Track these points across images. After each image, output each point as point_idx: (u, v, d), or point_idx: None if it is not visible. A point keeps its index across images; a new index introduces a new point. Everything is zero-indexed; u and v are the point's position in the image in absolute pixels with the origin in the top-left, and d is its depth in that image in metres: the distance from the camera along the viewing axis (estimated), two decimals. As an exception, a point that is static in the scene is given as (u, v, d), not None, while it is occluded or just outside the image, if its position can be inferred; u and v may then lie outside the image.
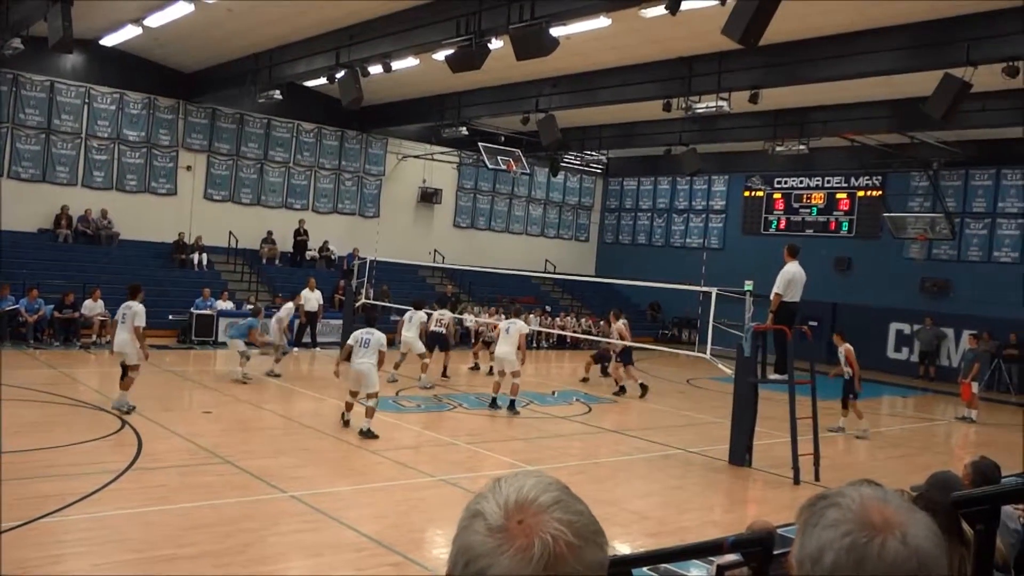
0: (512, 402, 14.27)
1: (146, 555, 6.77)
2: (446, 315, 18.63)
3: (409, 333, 17.08)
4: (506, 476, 1.12)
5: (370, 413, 11.66)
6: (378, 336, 11.89)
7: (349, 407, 12.23)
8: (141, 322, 12.06)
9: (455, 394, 16.27)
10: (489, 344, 19.19)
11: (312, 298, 21.42)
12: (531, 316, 24.85)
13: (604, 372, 18.70)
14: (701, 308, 22.65)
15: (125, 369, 12.12)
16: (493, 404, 14.66)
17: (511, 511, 1.05)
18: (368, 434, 11.48)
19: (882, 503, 1.13)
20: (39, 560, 6.47)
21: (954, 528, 2.72)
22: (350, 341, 12.23)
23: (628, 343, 17.46)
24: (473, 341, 22.41)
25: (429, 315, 18.04)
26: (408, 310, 18.06)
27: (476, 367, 19.61)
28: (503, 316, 20.84)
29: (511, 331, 14.77)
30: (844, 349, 14.54)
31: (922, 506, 2.90)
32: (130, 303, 12.25)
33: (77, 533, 7.21)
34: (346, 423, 12.19)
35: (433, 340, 17.65)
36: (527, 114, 21.33)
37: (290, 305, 18.63)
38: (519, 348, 14.61)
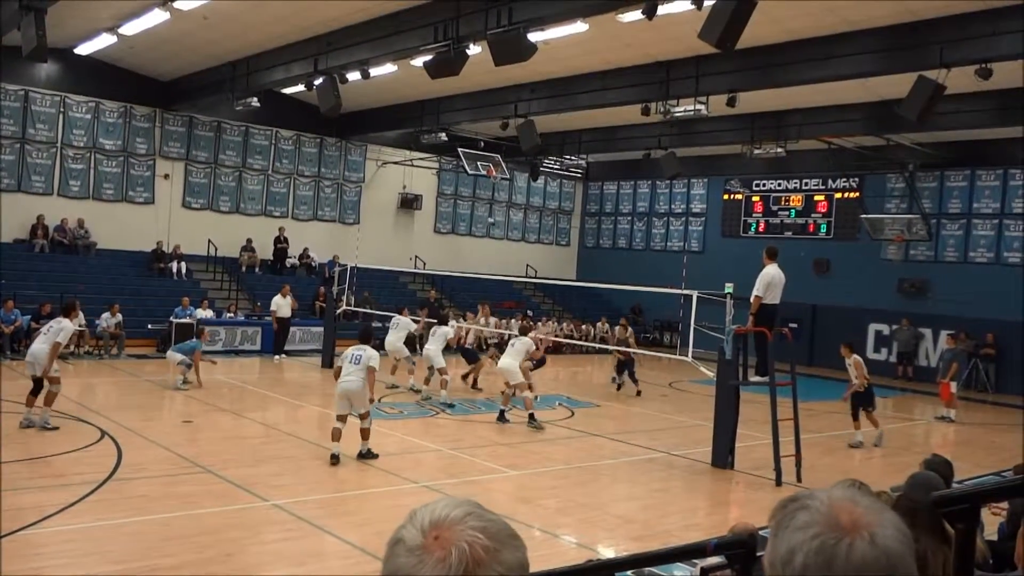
0: (531, 415, 13.80)
1: (127, 566, 6.71)
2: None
3: (431, 347, 16.27)
4: (420, 505, 1.19)
5: (365, 434, 10.81)
6: (370, 353, 10.90)
7: (336, 435, 10.63)
8: (64, 339, 11.81)
9: (439, 400, 16.21)
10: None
11: (284, 304, 21.32)
12: (512, 321, 24.83)
13: (632, 377, 18.18)
14: (682, 311, 22.73)
15: (38, 383, 11.47)
16: (501, 417, 14.16)
17: (427, 530, 1.12)
18: (368, 455, 10.79)
19: (851, 504, 1.15)
20: (19, 573, 6.39)
21: (937, 528, 2.73)
22: (340, 360, 11.19)
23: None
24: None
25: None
26: (392, 315, 18.05)
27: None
28: (482, 320, 20.77)
29: (516, 345, 14.51)
30: (853, 361, 14.09)
31: (905, 507, 2.93)
32: (61, 319, 11.92)
33: (57, 545, 7.14)
34: (335, 459, 10.52)
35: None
36: (506, 119, 21.34)
37: (407, 320, 18.16)
38: (533, 358, 14.31)
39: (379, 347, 21.02)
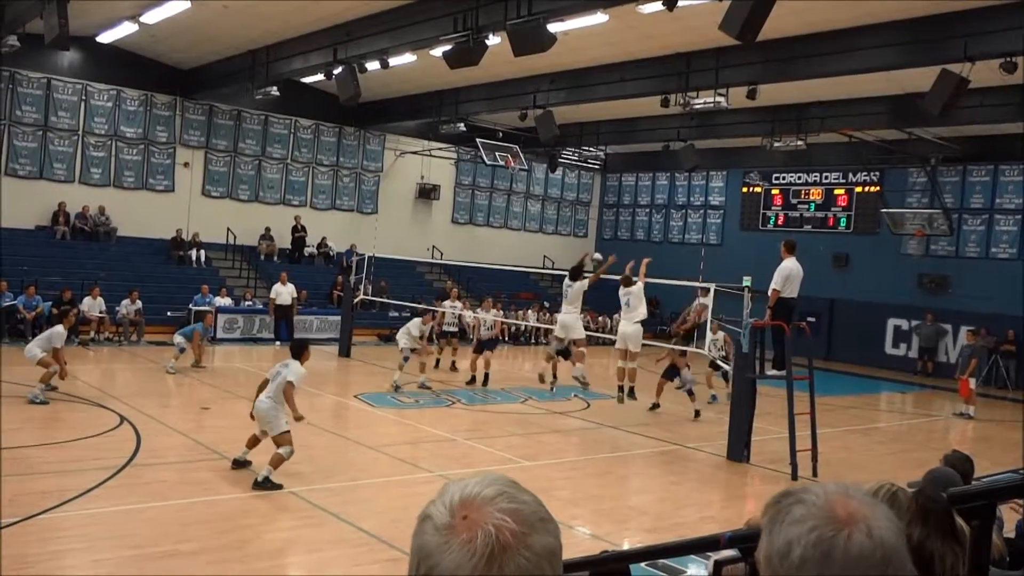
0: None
1: (145, 551, 6.78)
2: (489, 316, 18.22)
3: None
4: (455, 480, 1.16)
5: (274, 461, 8.82)
6: (293, 368, 9.18)
7: (251, 443, 9.41)
8: (59, 343, 12.67)
9: (455, 390, 16.27)
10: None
11: (284, 292, 21.32)
12: (529, 312, 24.87)
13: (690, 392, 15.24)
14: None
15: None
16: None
17: (456, 509, 1.09)
18: (265, 484, 8.67)
19: (846, 497, 1.16)
20: (39, 556, 6.48)
21: (950, 530, 2.71)
22: (267, 373, 9.59)
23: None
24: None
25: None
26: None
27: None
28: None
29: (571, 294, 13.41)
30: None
31: (920, 506, 2.90)
32: (55, 327, 12.99)
33: (76, 529, 7.23)
34: (236, 463, 9.41)
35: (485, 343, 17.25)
36: (525, 110, 21.31)
37: (417, 321, 16.65)
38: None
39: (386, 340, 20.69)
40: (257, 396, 9.28)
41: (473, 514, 1.08)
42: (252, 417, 9.39)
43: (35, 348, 12.68)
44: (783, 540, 1.15)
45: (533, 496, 1.13)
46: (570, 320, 13.72)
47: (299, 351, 9.50)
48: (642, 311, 13.17)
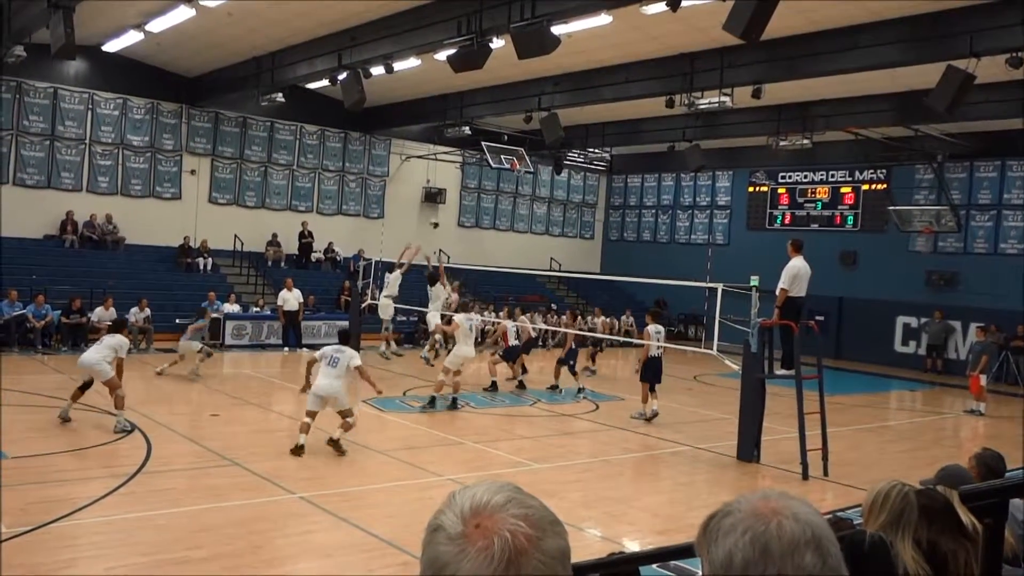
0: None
1: (157, 558, 6.80)
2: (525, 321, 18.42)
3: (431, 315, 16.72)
4: (460, 488, 1.17)
5: (346, 427, 10.60)
6: (348, 354, 10.73)
7: (305, 429, 10.46)
8: (123, 353, 11.53)
9: (463, 393, 16.24)
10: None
11: (291, 298, 21.48)
12: (535, 315, 24.84)
13: (572, 371, 16.91)
14: (707, 304, 22.64)
15: (88, 384, 11.51)
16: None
17: (467, 518, 1.10)
18: (335, 445, 10.47)
19: (765, 499, 1.22)
20: (52, 564, 6.50)
21: (956, 527, 2.71)
22: (316, 355, 11.00)
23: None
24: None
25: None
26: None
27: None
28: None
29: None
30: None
31: (921, 504, 2.90)
32: (117, 336, 11.65)
33: (89, 537, 7.25)
34: (298, 449, 10.35)
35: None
36: (530, 113, 21.33)
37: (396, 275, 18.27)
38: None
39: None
40: (308, 376, 10.86)
41: (486, 522, 1.09)
42: (303, 391, 11.12)
43: (102, 361, 11.28)
44: (723, 553, 1.18)
45: (539, 501, 1.15)
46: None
47: (347, 338, 11.51)
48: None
